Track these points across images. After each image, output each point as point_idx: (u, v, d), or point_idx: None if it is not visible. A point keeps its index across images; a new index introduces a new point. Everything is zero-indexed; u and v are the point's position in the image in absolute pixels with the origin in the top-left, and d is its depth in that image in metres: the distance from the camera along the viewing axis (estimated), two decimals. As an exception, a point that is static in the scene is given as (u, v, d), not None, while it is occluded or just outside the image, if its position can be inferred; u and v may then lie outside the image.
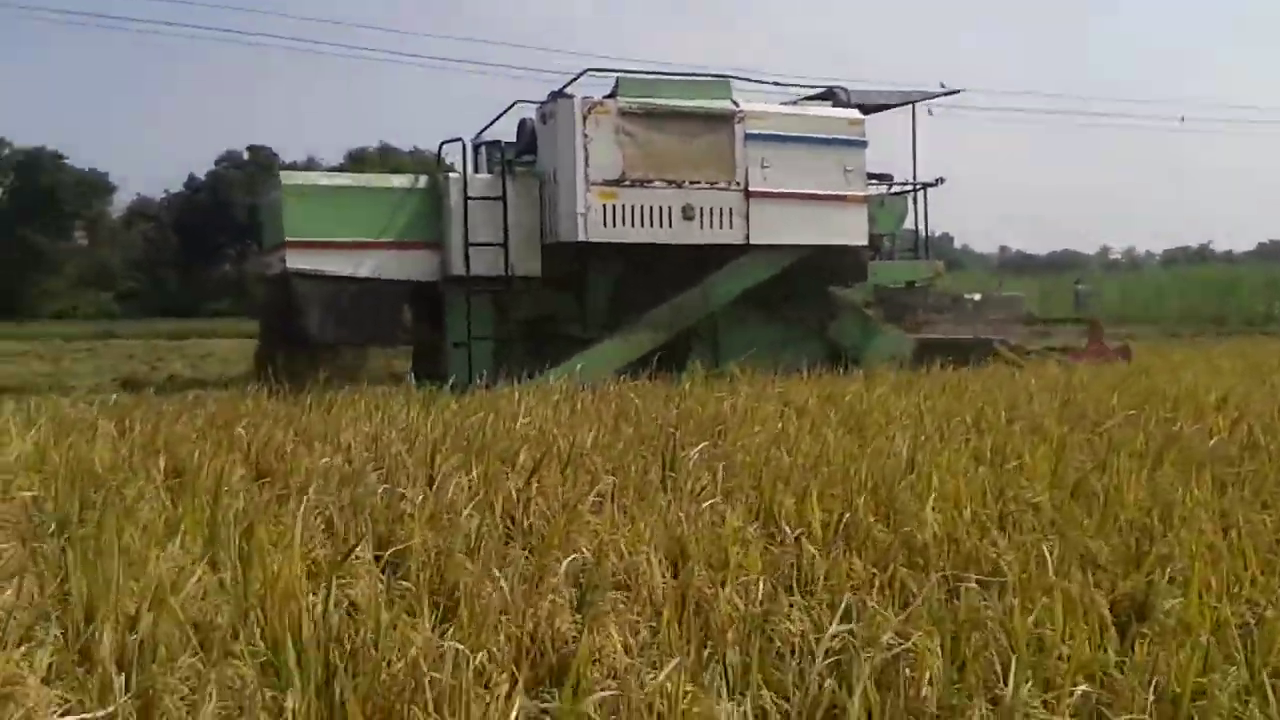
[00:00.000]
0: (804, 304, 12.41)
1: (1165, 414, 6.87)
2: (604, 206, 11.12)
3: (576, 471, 4.93)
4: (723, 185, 11.47)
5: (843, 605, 3.04)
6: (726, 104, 11.62)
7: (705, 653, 2.89)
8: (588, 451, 5.42)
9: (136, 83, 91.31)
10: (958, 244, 56.65)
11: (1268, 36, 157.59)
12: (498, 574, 3.27)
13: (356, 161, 54.87)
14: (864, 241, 12.22)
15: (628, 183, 11.19)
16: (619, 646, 2.93)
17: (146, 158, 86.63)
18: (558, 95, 11.42)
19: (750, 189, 11.51)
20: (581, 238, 11.13)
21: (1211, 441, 5.71)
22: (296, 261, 10.86)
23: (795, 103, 12.49)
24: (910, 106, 12.75)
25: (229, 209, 52.98)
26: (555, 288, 11.71)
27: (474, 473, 4.80)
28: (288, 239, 10.83)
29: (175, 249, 53.33)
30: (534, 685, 2.81)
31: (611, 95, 11.38)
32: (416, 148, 57.33)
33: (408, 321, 11.56)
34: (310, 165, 56.27)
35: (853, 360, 11.82)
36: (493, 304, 11.47)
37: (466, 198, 11.19)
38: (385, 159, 55.30)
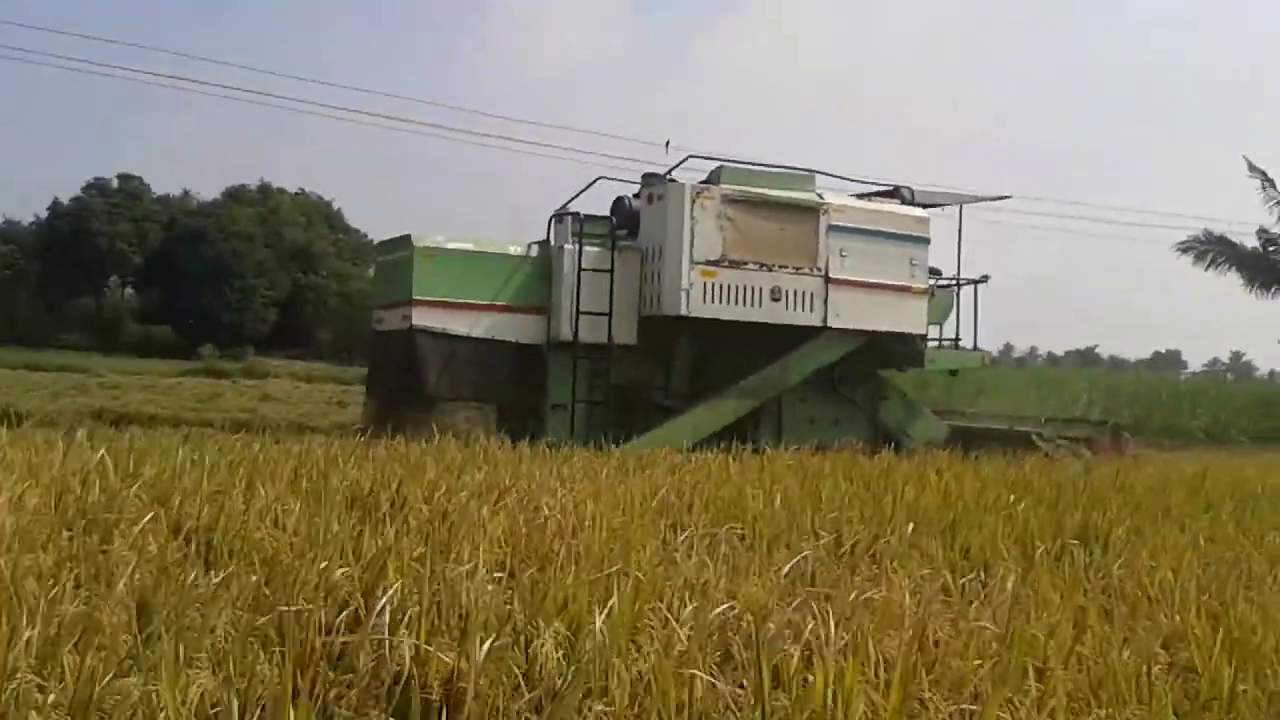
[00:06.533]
0: (857, 385, 13.36)
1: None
2: (705, 284, 11.83)
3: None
4: (806, 271, 12.33)
5: None
6: (813, 196, 12.55)
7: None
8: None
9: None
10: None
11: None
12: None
13: (234, 199, 53.64)
14: (924, 330, 13.21)
15: (726, 263, 11.94)
16: None
17: (11, 180, 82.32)
18: (663, 179, 12.12)
19: (830, 275, 12.42)
20: (684, 312, 11.80)
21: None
22: (422, 319, 11.24)
23: (866, 197, 13.50)
24: (959, 207, 13.94)
25: (92, 239, 50.90)
26: (645, 356, 12.32)
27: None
28: (415, 297, 11.17)
29: (34, 277, 50.83)
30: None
31: (710, 181, 12.16)
32: (303, 189, 56.56)
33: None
34: (185, 197, 54.76)
35: (896, 440, 12.63)
36: (591, 369, 12.00)
37: (580, 269, 11.76)
38: (265, 198, 54.24)
